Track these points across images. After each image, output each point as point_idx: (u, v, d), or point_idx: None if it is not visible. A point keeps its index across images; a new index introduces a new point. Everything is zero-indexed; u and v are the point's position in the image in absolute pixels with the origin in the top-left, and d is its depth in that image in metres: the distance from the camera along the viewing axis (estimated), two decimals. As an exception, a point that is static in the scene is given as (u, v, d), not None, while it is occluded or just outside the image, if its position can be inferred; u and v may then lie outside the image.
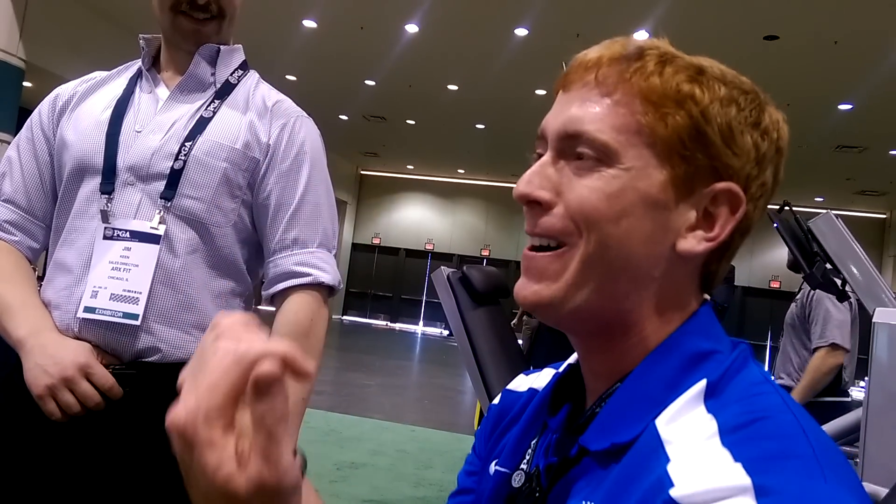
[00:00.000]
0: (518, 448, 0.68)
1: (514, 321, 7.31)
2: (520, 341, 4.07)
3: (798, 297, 3.47)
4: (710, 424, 0.49)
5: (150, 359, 1.18)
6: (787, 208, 2.54)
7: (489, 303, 2.73)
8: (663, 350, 0.58)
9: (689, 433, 0.50)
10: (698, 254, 0.58)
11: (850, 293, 2.63)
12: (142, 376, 1.18)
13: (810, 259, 2.38)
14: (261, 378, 0.40)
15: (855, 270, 2.21)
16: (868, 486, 1.65)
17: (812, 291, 3.14)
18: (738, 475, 0.44)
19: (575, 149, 0.59)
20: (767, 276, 16.10)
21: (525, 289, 0.61)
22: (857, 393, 3.61)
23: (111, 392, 1.14)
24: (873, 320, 1.93)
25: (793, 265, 3.36)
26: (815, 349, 3.16)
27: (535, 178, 0.60)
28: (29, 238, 1.28)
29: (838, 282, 2.44)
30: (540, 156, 0.63)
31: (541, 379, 0.75)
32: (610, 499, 0.52)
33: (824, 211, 2.37)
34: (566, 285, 0.58)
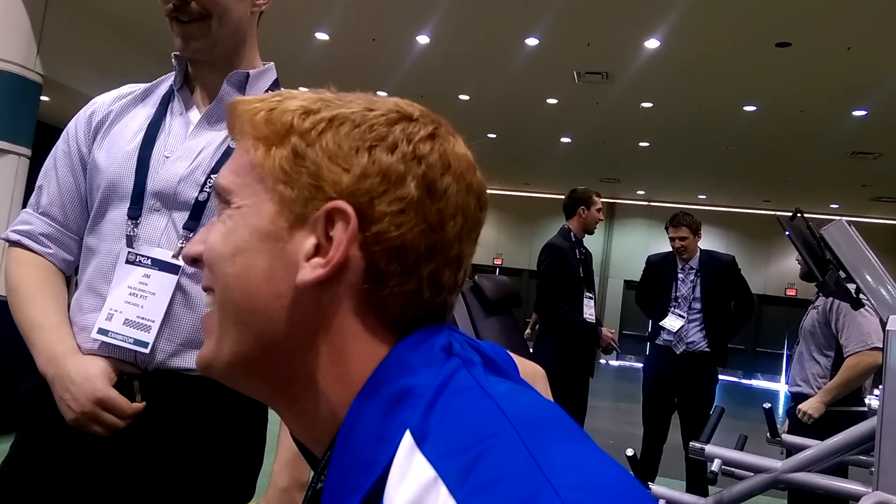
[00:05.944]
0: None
1: (526, 330, 7.29)
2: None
3: (817, 303, 3.44)
4: (437, 486, 0.43)
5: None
6: (798, 216, 2.52)
7: (501, 312, 2.73)
8: (357, 405, 0.52)
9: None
10: (311, 282, 0.53)
11: (864, 301, 2.61)
12: (169, 384, 1.18)
13: (823, 267, 2.36)
14: None
15: (869, 278, 2.19)
16: (883, 496, 1.64)
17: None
18: None
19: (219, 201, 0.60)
20: (783, 283, 15.94)
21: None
22: (873, 402, 3.58)
23: (133, 413, 1.16)
24: (887, 328, 1.91)
25: (807, 275, 3.33)
26: (853, 354, 3.17)
27: (198, 236, 0.60)
28: (63, 251, 1.29)
29: (852, 289, 2.42)
30: None
31: None
32: None
33: (839, 218, 2.36)
34: (216, 340, 0.57)
